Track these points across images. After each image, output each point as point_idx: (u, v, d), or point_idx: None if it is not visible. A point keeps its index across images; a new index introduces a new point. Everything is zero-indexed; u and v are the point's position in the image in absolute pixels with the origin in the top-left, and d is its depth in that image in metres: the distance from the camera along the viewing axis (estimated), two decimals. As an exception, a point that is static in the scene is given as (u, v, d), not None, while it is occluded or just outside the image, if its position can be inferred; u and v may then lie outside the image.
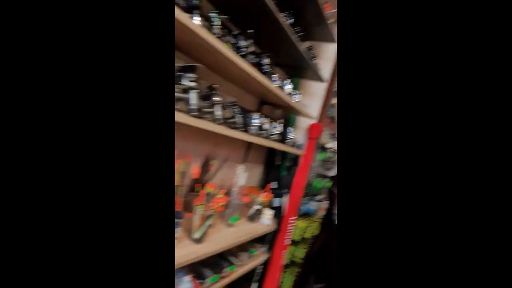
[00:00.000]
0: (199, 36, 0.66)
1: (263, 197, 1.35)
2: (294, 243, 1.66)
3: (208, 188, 0.99)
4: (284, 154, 1.66)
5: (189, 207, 0.95)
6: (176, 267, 0.77)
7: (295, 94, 1.43)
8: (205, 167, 1.01)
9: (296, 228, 1.62)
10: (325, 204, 1.87)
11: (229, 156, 1.29)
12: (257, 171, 1.77)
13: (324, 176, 2.05)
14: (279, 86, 1.23)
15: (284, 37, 1.14)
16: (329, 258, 1.48)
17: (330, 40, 1.61)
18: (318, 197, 2.03)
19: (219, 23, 0.83)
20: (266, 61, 1.12)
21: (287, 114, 1.69)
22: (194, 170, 0.92)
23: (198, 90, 0.73)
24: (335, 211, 1.54)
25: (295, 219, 1.57)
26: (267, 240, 1.45)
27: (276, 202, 1.49)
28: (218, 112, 0.88)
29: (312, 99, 1.76)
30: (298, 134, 1.60)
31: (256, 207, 1.34)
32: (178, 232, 0.84)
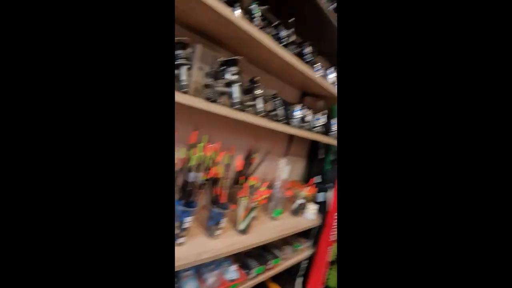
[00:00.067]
0: (241, 28, 0.66)
1: (306, 191, 1.32)
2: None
3: (251, 181, 1.00)
4: (327, 147, 1.59)
5: (234, 199, 0.97)
6: (221, 256, 0.80)
7: (339, 83, 1.35)
8: (248, 160, 1.02)
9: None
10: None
11: (271, 150, 1.29)
12: (300, 165, 1.74)
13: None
14: (322, 76, 1.17)
15: (327, 23, 1.08)
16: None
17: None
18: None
19: (259, 14, 0.82)
20: (308, 50, 1.08)
21: (331, 105, 1.61)
22: (238, 162, 0.94)
23: (240, 83, 0.74)
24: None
25: (341, 215, 1.50)
26: (312, 235, 1.42)
27: (321, 197, 1.45)
28: (260, 105, 0.88)
29: (358, 88, 1.64)
30: (343, 126, 1.52)
31: (300, 201, 1.32)
32: (224, 223, 0.86)
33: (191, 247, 0.77)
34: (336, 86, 1.29)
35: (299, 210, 1.34)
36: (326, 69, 1.26)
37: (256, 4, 0.82)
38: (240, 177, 0.99)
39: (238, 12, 0.68)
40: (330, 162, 1.60)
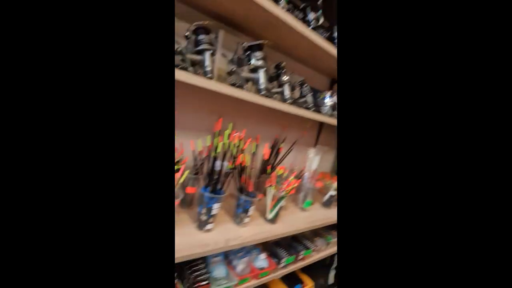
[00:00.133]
0: (266, 10, 0.63)
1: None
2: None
3: (279, 170, 0.99)
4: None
5: (261, 188, 0.96)
6: (250, 243, 0.80)
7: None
8: (275, 149, 1.01)
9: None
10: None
11: (299, 139, 1.25)
12: (330, 156, 1.67)
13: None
14: (354, 59, 1.10)
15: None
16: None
17: None
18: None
19: (285, -4, 0.79)
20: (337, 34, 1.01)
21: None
22: (265, 151, 0.93)
23: (266, 68, 0.72)
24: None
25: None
26: (344, 228, 1.36)
27: (353, 188, 1.37)
28: (286, 91, 0.85)
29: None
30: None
31: (331, 193, 1.27)
32: (251, 211, 0.86)
33: (220, 233, 0.78)
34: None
35: (330, 203, 1.29)
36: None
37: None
38: (267, 166, 0.98)
39: (261, -6, 0.66)
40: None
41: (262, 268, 0.90)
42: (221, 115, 0.89)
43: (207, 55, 0.62)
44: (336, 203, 1.31)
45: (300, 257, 1.07)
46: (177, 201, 0.69)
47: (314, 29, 0.89)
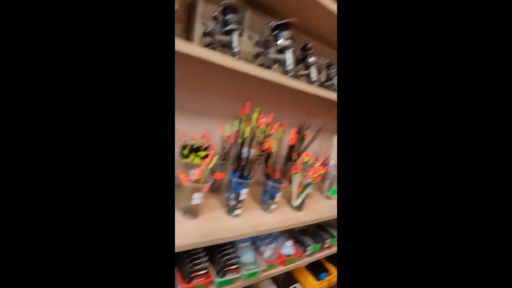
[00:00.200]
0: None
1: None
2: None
3: (305, 157, 0.96)
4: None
5: (287, 175, 0.95)
6: (277, 229, 0.80)
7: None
8: (300, 136, 0.98)
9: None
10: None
11: (324, 126, 1.22)
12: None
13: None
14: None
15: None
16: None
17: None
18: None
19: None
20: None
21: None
22: (292, 136, 0.91)
23: (294, 49, 0.69)
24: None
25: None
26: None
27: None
28: (313, 73, 0.82)
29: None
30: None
31: (357, 181, 1.23)
32: (278, 198, 0.85)
33: (247, 219, 0.78)
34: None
35: (356, 191, 1.25)
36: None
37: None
38: (293, 153, 0.96)
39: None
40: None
41: (289, 255, 0.90)
42: (247, 100, 0.88)
43: (235, 35, 0.60)
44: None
45: (326, 245, 1.06)
46: (206, 187, 0.70)
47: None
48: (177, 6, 0.61)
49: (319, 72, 0.89)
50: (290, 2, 0.72)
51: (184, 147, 0.76)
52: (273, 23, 0.69)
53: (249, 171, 0.77)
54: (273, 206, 0.86)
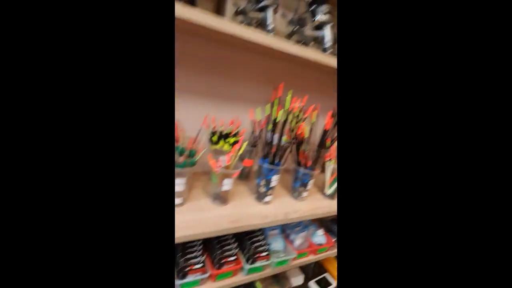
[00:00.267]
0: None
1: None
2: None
3: (339, 144, 0.91)
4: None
5: (320, 162, 0.90)
6: (308, 217, 0.77)
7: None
8: (336, 119, 0.92)
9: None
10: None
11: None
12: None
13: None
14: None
15: None
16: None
17: None
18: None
19: None
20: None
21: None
22: (328, 120, 0.85)
23: (332, 24, 0.63)
24: None
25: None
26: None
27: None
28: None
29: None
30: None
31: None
32: (310, 186, 0.81)
33: (278, 206, 0.76)
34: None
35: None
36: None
37: None
38: (327, 139, 0.90)
39: None
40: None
41: (320, 244, 0.87)
42: (278, 84, 0.84)
43: (270, 11, 0.55)
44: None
45: (359, 236, 1.01)
46: (236, 173, 0.68)
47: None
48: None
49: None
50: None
51: (213, 133, 0.75)
52: (310, -4, 0.63)
53: (280, 157, 0.74)
54: (305, 194, 0.82)
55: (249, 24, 0.57)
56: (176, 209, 0.63)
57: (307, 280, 1.03)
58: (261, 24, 0.57)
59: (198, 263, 0.63)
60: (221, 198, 0.70)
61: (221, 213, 0.66)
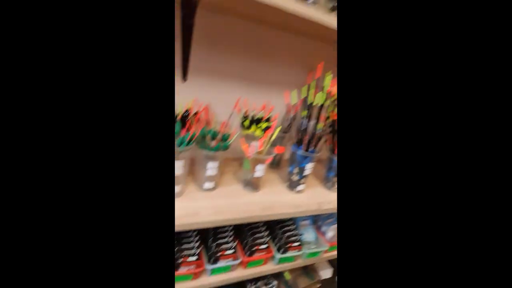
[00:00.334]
0: None
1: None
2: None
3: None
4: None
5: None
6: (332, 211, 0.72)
7: None
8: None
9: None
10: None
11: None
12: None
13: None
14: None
15: None
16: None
17: None
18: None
19: None
20: None
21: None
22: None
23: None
24: None
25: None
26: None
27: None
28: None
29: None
30: None
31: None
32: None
33: (311, 196, 0.73)
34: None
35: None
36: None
37: None
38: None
39: None
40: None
41: (353, 238, 0.82)
42: (313, 68, 0.79)
43: (311, -19, 0.51)
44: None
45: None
46: (269, 158, 0.65)
47: None
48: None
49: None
50: None
51: (245, 117, 0.72)
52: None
53: (314, 144, 0.70)
54: (339, 185, 0.78)
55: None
56: (208, 194, 0.62)
57: (335, 273, 0.99)
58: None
59: (229, 248, 0.62)
60: (253, 185, 0.68)
61: (252, 199, 0.64)
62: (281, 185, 0.75)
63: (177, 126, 0.54)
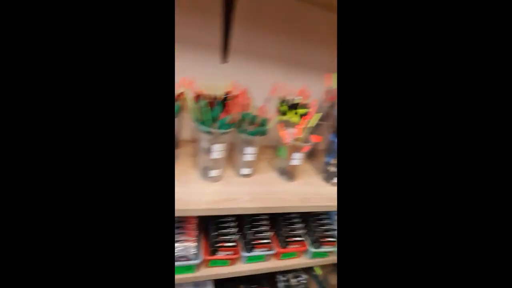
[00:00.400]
0: None
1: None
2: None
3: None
4: None
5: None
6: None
7: None
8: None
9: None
10: None
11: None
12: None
13: None
14: None
15: None
16: None
17: None
18: None
19: None
20: None
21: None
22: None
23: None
24: None
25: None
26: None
27: None
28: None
29: None
30: None
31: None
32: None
33: (349, 189, 0.68)
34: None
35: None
36: None
37: None
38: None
39: None
40: None
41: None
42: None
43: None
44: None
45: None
46: (307, 147, 0.61)
47: None
48: None
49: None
50: None
51: (282, 102, 0.69)
52: None
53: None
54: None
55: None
56: (245, 180, 0.59)
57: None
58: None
59: (265, 238, 0.60)
60: (289, 174, 0.65)
61: (288, 189, 0.61)
62: (317, 176, 0.71)
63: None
